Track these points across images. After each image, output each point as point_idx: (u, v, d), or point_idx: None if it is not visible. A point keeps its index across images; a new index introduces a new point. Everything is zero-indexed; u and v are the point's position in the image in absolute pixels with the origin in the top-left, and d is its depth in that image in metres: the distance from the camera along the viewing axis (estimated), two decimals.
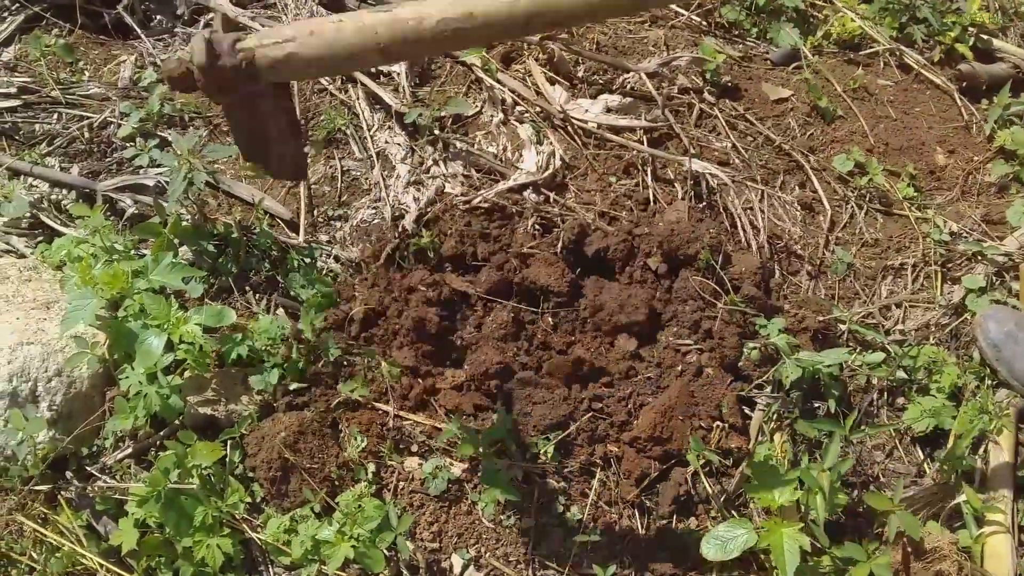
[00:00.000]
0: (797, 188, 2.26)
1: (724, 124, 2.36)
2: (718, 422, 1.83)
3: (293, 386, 1.77)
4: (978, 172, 2.39)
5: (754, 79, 2.51)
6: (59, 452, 1.63)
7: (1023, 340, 1.97)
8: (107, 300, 1.68)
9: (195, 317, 1.64)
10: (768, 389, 1.89)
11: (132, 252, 1.84)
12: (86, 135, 2.14)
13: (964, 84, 2.61)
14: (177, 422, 1.69)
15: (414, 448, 1.74)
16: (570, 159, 2.22)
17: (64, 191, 2.05)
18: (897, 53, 2.67)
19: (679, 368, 1.90)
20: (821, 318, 1.98)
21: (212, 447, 1.59)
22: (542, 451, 1.74)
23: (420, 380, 1.84)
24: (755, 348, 1.91)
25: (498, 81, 2.33)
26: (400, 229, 2.04)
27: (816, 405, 1.91)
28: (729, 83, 2.46)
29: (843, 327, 2.01)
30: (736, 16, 2.65)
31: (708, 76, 2.44)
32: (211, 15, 2.49)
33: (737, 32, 2.67)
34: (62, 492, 1.61)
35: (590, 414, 1.81)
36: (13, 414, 1.56)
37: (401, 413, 1.80)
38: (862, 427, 1.90)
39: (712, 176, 2.18)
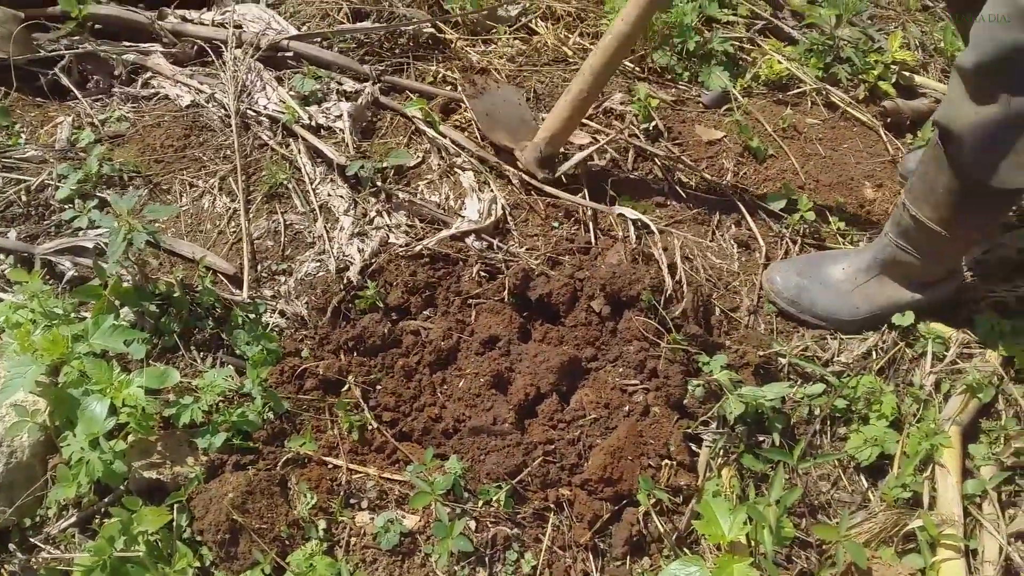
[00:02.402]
0: (733, 226, 2.32)
1: (660, 166, 2.42)
2: (667, 460, 1.85)
3: (240, 444, 1.75)
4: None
5: (687, 122, 2.58)
6: (1, 524, 1.59)
7: (810, 284, 2.13)
8: (47, 366, 1.66)
9: (137, 380, 1.62)
10: (714, 425, 1.92)
11: (72, 315, 1.82)
12: (23, 198, 2.12)
13: (888, 120, 2.71)
14: (122, 488, 1.66)
15: (365, 503, 1.73)
16: (512, 205, 2.26)
17: (1, 256, 2.03)
18: (823, 92, 2.77)
19: (627, 408, 1.92)
20: (762, 353, 2.03)
21: (158, 512, 1.57)
22: (495, 499, 1.75)
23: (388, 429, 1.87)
24: (699, 385, 1.94)
25: (439, 132, 2.37)
26: (345, 281, 2.05)
27: (761, 439, 1.94)
28: (663, 126, 2.53)
29: (783, 361, 2.06)
30: (668, 61, 2.73)
31: (642, 120, 2.51)
32: (148, 74, 2.50)
33: (670, 76, 2.75)
34: (5, 565, 1.58)
35: (541, 458, 1.83)
36: None
37: (352, 466, 1.80)
38: (806, 458, 1.94)
39: (651, 219, 2.23)
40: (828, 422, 2.02)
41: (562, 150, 2.39)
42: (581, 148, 2.40)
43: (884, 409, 2.00)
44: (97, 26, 2.59)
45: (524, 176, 2.31)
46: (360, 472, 1.80)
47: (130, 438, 1.68)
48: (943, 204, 1.87)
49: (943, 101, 1.77)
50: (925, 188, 1.89)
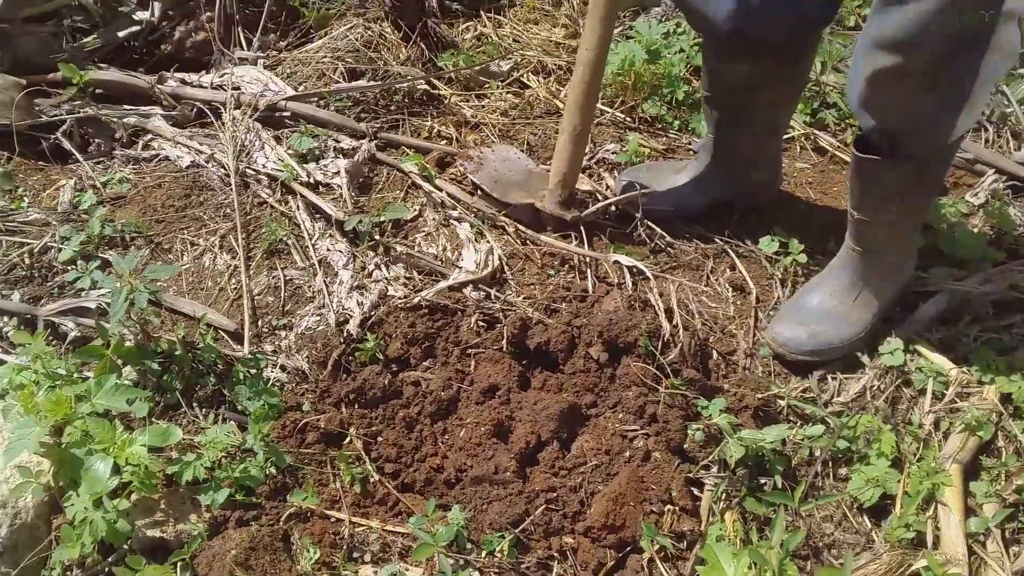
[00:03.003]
0: (727, 271, 2.34)
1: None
2: (669, 505, 1.85)
3: (243, 500, 1.76)
4: None
5: None
6: None
7: (816, 326, 2.15)
8: (51, 426, 1.67)
9: (140, 438, 1.64)
10: (715, 469, 1.93)
11: (76, 375, 1.84)
12: (27, 261, 2.16)
13: None
14: (125, 547, 1.66)
15: (368, 556, 1.73)
16: (508, 255, 2.29)
17: (5, 318, 2.05)
18: (812, 137, 2.82)
19: (627, 454, 1.93)
20: (760, 395, 2.04)
21: (162, 570, 1.57)
22: (498, 548, 1.75)
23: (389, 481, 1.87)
24: (699, 429, 1.95)
25: (435, 186, 2.40)
26: (345, 334, 2.07)
27: (763, 481, 1.95)
28: None
29: (782, 403, 2.07)
30: (658, 111, 2.78)
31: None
32: (148, 136, 2.55)
33: (660, 126, 2.80)
34: None
35: (544, 506, 1.83)
36: None
37: (355, 519, 1.80)
38: (809, 499, 1.94)
39: (646, 265, 2.26)
40: (829, 463, 2.02)
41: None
42: (586, 193, 2.45)
43: (884, 448, 2.00)
44: (98, 91, 2.64)
45: (555, 222, 2.36)
46: (363, 525, 1.80)
47: (133, 497, 1.68)
48: (901, 192, 1.94)
49: (887, 108, 1.78)
50: (881, 196, 1.96)
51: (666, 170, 2.45)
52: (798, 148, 2.80)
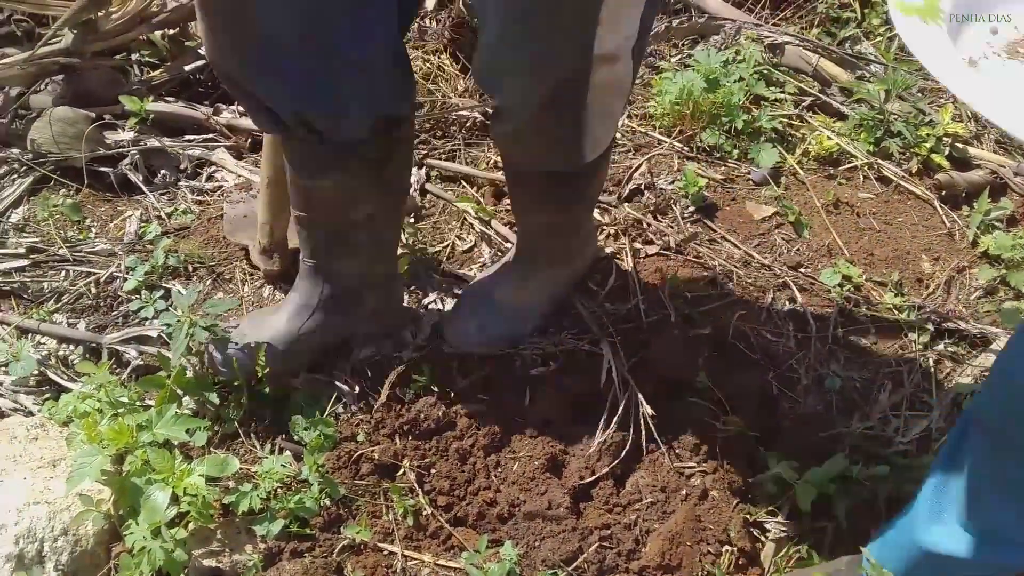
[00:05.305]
0: (787, 303, 2.30)
1: (708, 245, 2.42)
2: (727, 546, 1.82)
3: (297, 531, 1.77)
4: (963, 276, 2.43)
5: (738, 199, 2.59)
6: None
7: None
8: (112, 455, 1.70)
9: (199, 468, 1.66)
10: (776, 509, 1.88)
11: (137, 403, 1.87)
12: (93, 290, 2.21)
13: (943, 193, 2.69)
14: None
15: None
16: None
17: (71, 346, 2.10)
18: (875, 167, 2.76)
19: (684, 492, 1.90)
20: (822, 433, 1.99)
21: None
22: None
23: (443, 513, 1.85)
24: (760, 470, 1.91)
25: (488, 226, 2.39)
26: (400, 364, 2.08)
27: (825, 524, 1.89)
28: (713, 204, 2.54)
29: (845, 441, 2.01)
30: (716, 140, 2.75)
31: (692, 199, 2.52)
32: (212, 168, 2.60)
33: (719, 155, 2.77)
34: None
35: (597, 544, 1.81)
36: None
37: (407, 553, 1.80)
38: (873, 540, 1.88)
39: (704, 296, 2.23)
40: (895, 503, 1.96)
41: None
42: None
43: None
44: (166, 123, 2.70)
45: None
46: (415, 559, 1.79)
47: (191, 526, 1.70)
48: (548, 198, 1.90)
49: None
50: (533, 198, 1.92)
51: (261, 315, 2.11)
52: (861, 178, 2.74)
